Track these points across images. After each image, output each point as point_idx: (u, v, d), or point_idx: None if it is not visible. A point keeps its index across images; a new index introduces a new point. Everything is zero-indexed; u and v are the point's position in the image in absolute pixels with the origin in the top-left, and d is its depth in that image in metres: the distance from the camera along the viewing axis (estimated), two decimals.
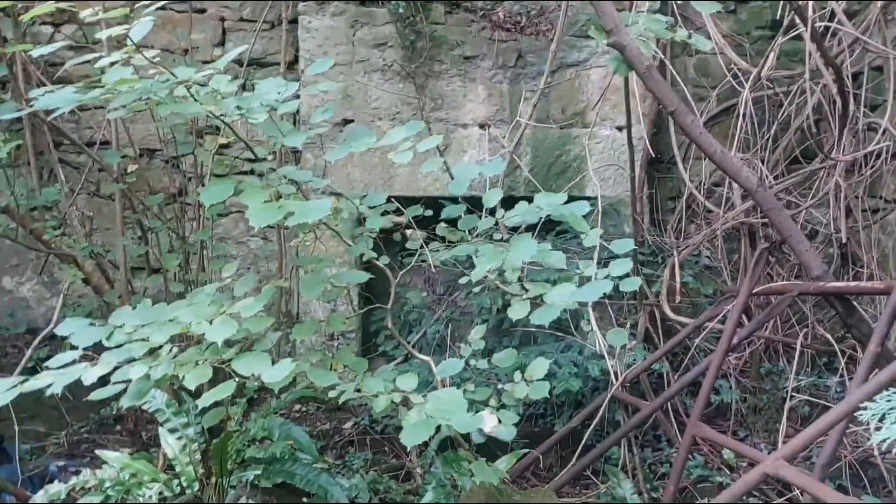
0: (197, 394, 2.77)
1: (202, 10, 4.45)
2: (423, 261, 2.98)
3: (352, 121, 4.43)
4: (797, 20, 3.89)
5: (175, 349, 2.29)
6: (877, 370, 2.50)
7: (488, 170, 2.90)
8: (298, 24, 4.36)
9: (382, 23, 4.39)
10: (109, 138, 3.90)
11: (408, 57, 4.41)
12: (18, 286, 4.61)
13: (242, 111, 2.38)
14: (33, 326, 4.46)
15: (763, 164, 4.35)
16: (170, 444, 3.18)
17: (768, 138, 4.39)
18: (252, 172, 4.36)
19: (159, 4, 2.24)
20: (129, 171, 3.68)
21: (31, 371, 3.19)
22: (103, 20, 2.26)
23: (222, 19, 4.52)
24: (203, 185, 3.78)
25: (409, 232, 3.10)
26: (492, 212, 2.93)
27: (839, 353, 3.68)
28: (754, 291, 3.28)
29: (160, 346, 2.23)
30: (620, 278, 2.70)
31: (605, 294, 2.51)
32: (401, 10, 4.29)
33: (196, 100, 2.35)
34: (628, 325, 4.16)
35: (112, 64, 2.35)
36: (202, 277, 3.67)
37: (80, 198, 4.22)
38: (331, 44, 4.39)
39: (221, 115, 2.33)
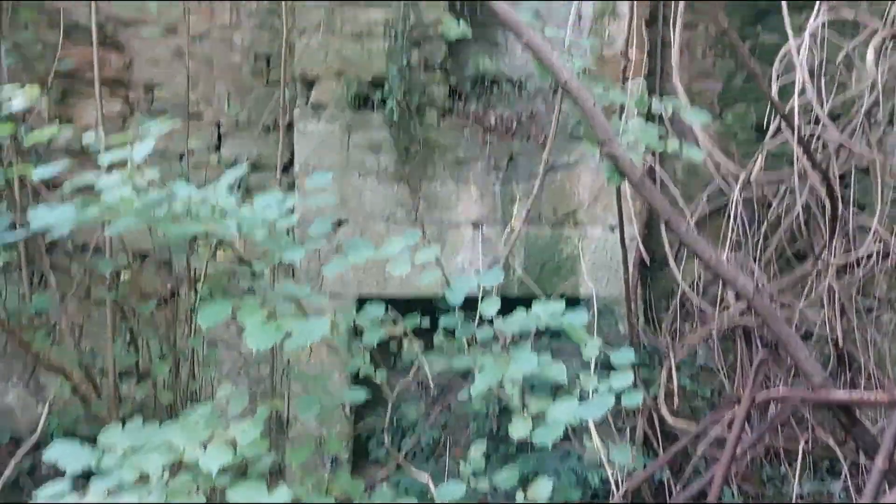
0: None
1: (198, 115, 4.51)
2: (418, 370, 2.94)
3: (346, 221, 4.45)
4: (783, 125, 3.98)
5: (167, 474, 2.22)
6: (885, 487, 2.46)
7: (486, 280, 2.90)
8: (294, 129, 4.42)
9: (377, 127, 4.46)
10: (102, 243, 3.89)
11: (402, 160, 4.46)
12: (2, 394, 4.52)
13: (242, 230, 2.37)
14: (17, 436, 4.35)
15: (755, 263, 4.38)
16: None
17: (759, 238, 4.43)
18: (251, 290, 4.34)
19: (165, 127, 2.26)
20: (121, 278, 3.66)
21: (14, 484, 3.09)
22: (104, 140, 2.27)
23: (218, 124, 4.58)
24: (196, 291, 3.76)
25: (405, 339, 3.07)
26: (489, 320, 2.91)
27: (842, 457, 3.63)
28: (756, 399, 3.24)
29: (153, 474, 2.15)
30: (623, 391, 2.67)
31: None
32: (395, 116, 4.37)
33: (196, 218, 2.34)
34: (627, 430, 4.10)
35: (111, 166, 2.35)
36: (192, 386, 3.60)
37: (70, 302, 4.18)
38: (326, 148, 4.44)
39: (222, 234, 2.32)
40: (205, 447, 2.14)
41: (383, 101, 4.40)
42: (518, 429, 2.50)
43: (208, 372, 3.67)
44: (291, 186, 4.46)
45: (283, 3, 4.30)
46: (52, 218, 2.33)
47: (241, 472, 2.29)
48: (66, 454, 2.27)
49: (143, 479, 2.12)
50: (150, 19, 4.35)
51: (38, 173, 2.31)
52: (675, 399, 4.12)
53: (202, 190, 2.43)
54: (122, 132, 4.09)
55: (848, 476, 3.63)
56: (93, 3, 4.03)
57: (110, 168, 2.37)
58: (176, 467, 2.36)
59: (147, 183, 2.41)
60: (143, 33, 4.38)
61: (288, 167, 4.53)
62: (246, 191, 4.33)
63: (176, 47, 4.45)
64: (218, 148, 4.59)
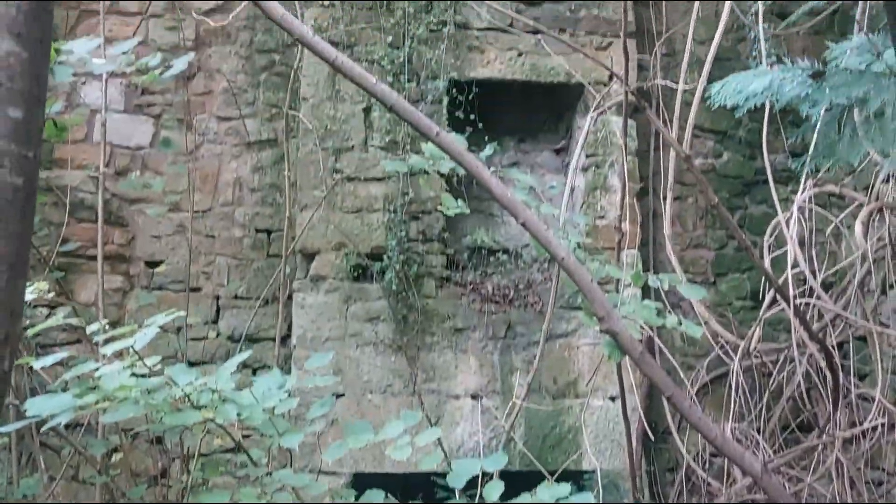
0: None
1: (197, 289, 4.54)
2: None
3: (342, 395, 4.40)
4: (778, 295, 4.03)
5: None
6: None
7: (490, 465, 2.83)
8: (293, 301, 4.45)
9: (375, 298, 4.50)
10: (94, 422, 3.82)
11: (400, 330, 4.47)
12: None
13: (242, 416, 2.34)
14: None
15: (759, 434, 4.31)
16: None
17: (761, 408, 4.38)
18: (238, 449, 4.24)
19: (168, 318, 2.28)
20: (112, 458, 3.57)
21: None
22: (107, 331, 2.27)
23: (217, 297, 4.61)
24: (189, 471, 3.65)
25: None
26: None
27: None
28: None
29: None
30: None
31: None
32: (393, 287, 4.42)
33: (196, 406, 2.31)
34: None
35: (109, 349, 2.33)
36: None
37: (58, 483, 4.04)
38: (324, 319, 4.46)
39: (221, 422, 2.29)
40: None
41: (382, 272, 4.47)
42: None
43: None
44: (288, 359, 4.44)
45: (287, 179, 4.45)
46: (51, 407, 2.30)
47: None
48: None
49: None
50: (154, 197, 4.47)
51: (39, 363, 2.30)
52: None
53: (203, 377, 2.42)
54: (121, 308, 4.13)
55: None
56: (101, 181, 4.17)
57: (112, 357, 2.37)
58: None
59: (148, 370, 2.40)
60: (147, 211, 4.47)
61: (286, 339, 4.53)
62: (243, 364, 4.30)
63: (179, 222, 4.55)
64: (216, 321, 4.60)
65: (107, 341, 2.29)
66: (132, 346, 2.26)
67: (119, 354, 2.43)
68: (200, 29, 4.55)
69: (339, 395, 4.39)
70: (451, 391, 4.49)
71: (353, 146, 4.56)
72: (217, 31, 4.48)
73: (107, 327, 2.27)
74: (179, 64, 2.96)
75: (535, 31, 4.45)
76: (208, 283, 4.59)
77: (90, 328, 2.32)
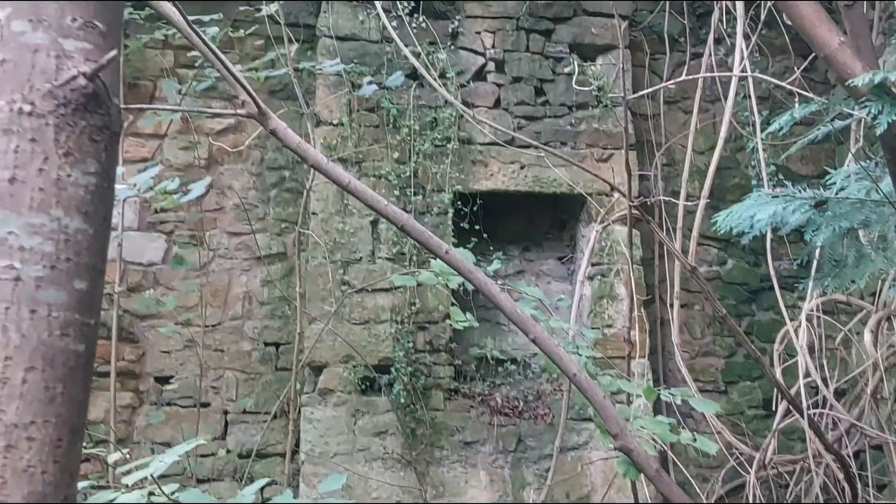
0: None
1: (206, 404, 4.52)
2: None
3: None
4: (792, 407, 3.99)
5: None
6: None
7: None
8: (301, 415, 4.42)
9: (383, 411, 4.46)
10: None
11: (408, 444, 4.42)
12: None
13: None
14: None
15: None
16: None
17: None
18: None
19: (193, 444, 2.27)
20: None
21: None
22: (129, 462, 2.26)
23: (225, 412, 4.58)
24: None
25: None
26: None
27: None
28: None
29: None
30: None
31: None
32: (401, 399, 4.39)
33: None
34: None
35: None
36: None
37: None
38: (332, 434, 4.41)
39: None
40: None
41: (390, 385, 4.45)
42: None
43: None
44: (297, 474, 4.38)
45: (298, 293, 4.48)
46: None
47: None
48: None
49: None
50: (165, 314, 4.50)
51: None
52: None
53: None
54: (130, 424, 4.10)
55: None
56: (116, 299, 4.21)
57: (129, 485, 2.35)
58: None
59: (167, 499, 2.37)
60: (159, 328, 4.49)
61: (294, 454, 4.47)
62: (250, 479, 4.24)
63: (189, 337, 4.56)
64: (224, 436, 4.55)
65: (126, 470, 2.27)
66: (151, 475, 2.24)
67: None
68: (213, 148, 4.69)
69: None
70: None
71: (360, 258, 4.62)
72: (229, 149, 4.61)
73: (127, 455, 2.26)
74: (197, 189, 3.04)
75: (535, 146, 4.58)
76: (217, 398, 4.57)
77: (111, 458, 2.31)
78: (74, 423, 1.09)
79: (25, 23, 1.12)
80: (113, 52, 1.13)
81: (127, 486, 2.32)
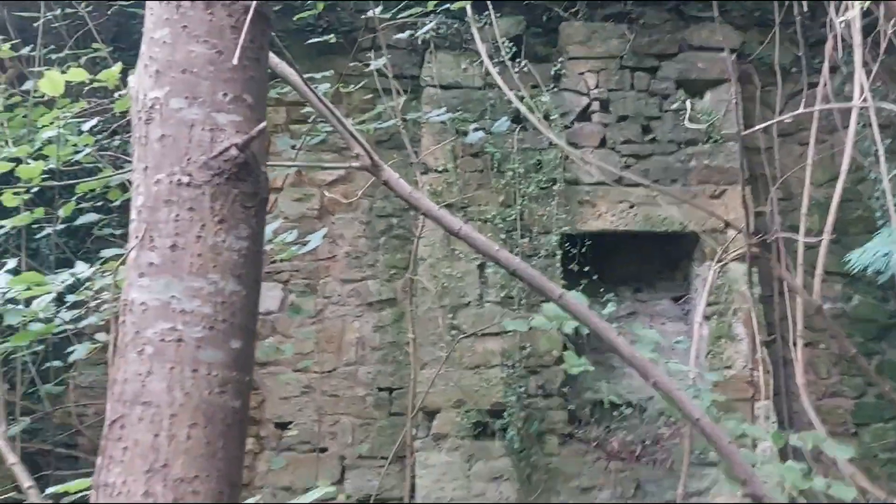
0: None
1: (324, 449, 4.60)
2: None
3: None
4: None
5: None
6: None
7: None
8: (416, 460, 4.44)
9: (497, 456, 4.44)
10: None
11: (524, 490, 4.37)
12: None
13: None
14: None
15: None
16: None
17: None
18: None
19: (326, 490, 2.32)
20: None
21: None
22: None
23: (342, 458, 4.65)
24: None
25: None
26: None
27: None
28: None
29: None
30: None
31: None
32: (515, 444, 4.35)
33: None
34: None
35: None
36: None
37: None
38: (447, 479, 4.41)
39: None
40: None
41: (503, 430, 4.42)
42: None
43: None
44: None
45: (410, 338, 4.53)
46: None
47: None
48: None
49: None
50: (283, 361, 4.63)
51: None
52: None
53: None
54: (252, 470, 4.21)
55: None
56: None
57: None
58: None
59: None
60: (277, 375, 4.62)
61: (411, 498, 4.49)
62: None
63: (305, 383, 4.68)
64: (341, 481, 4.62)
65: None
66: None
67: None
68: (325, 199, 4.83)
69: None
70: None
71: (469, 302, 4.64)
72: (342, 199, 4.75)
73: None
74: (315, 240, 3.14)
75: (645, 185, 4.52)
76: (334, 444, 4.65)
77: None
78: (233, 478, 1.14)
79: (182, 100, 1.20)
80: (262, 124, 1.19)
81: None
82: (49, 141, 3.10)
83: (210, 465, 1.11)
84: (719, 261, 3.94)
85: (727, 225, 4.28)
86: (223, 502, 1.11)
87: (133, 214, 1.21)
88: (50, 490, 2.23)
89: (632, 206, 4.75)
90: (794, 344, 4.40)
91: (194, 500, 1.08)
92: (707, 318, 4.55)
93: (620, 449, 4.49)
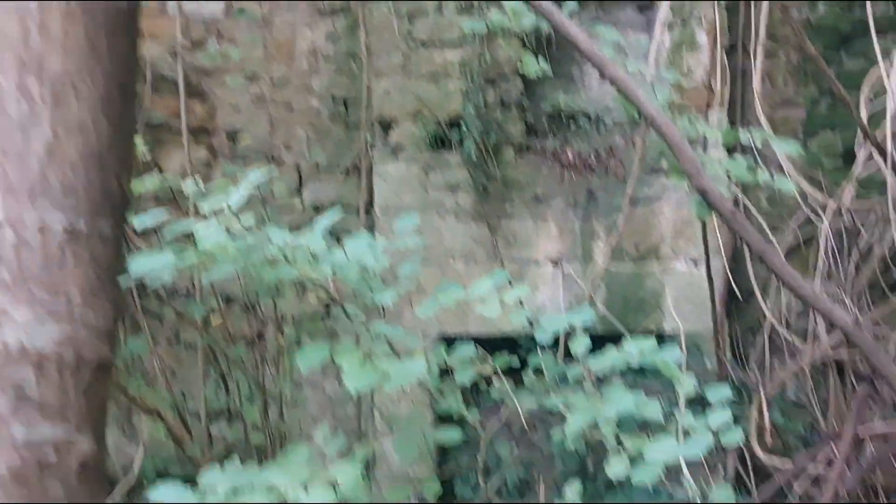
0: None
1: (280, 161, 4.61)
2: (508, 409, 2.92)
3: (427, 262, 4.46)
4: (874, 152, 3.87)
5: None
6: None
7: (576, 318, 2.87)
8: (373, 171, 4.49)
9: (454, 167, 4.49)
10: (192, 288, 3.99)
11: (480, 199, 4.48)
12: None
13: (336, 274, 2.41)
14: (112, 478, 4.44)
15: (847, 295, 4.24)
16: None
17: (850, 269, 4.29)
18: (328, 315, 4.40)
19: (263, 176, 2.32)
20: (212, 323, 3.75)
21: None
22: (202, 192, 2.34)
23: (299, 168, 4.67)
24: (283, 333, 3.81)
25: (494, 378, 3.06)
26: (578, 357, 2.88)
27: None
28: (860, 435, 3.12)
29: None
30: (720, 430, 2.60)
31: None
32: (472, 156, 4.39)
33: (292, 263, 2.39)
34: (718, 467, 3.98)
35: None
36: (282, 427, 3.64)
37: (162, 346, 4.28)
38: (404, 189, 4.49)
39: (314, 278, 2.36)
40: (306, 488, 2.14)
41: (461, 141, 4.44)
42: (616, 469, 2.44)
43: (296, 413, 3.71)
44: (372, 228, 4.52)
45: (363, 46, 4.40)
46: (154, 265, 2.41)
47: None
48: (170, 496, 2.30)
49: None
50: (232, 67, 4.49)
51: (139, 222, 2.38)
52: (767, 436, 3.99)
53: (296, 235, 2.48)
54: (207, 179, 4.22)
55: None
56: (179, 51, 4.20)
57: (208, 215, 2.44)
58: None
59: (243, 229, 2.47)
60: (226, 82, 4.51)
61: (368, 208, 4.59)
62: (328, 233, 4.40)
63: (257, 94, 4.58)
64: (299, 191, 4.68)
65: (202, 199, 2.35)
66: (227, 204, 2.32)
67: (214, 215, 2.50)
68: None
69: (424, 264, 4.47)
70: (532, 257, 4.52)
71: (427, 10, 4.45)
72: None
73: (202, 186, 2.33)
74: None
75: None
76: (290, 155, 4.65)
77: (185, 185, 2.39)
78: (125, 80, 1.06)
79: None
80: None
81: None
82: None
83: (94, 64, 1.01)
84: None
85: None
86: (115, 105, 1.04)
87: None
88: None
89: None
90: (754, 54, 4.36)
91: (77, 97, 1.00)
92: (669, 25, 4.44)
93: (575, 160, 4.55)
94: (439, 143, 4.50)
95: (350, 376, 2.19)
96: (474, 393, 3.52)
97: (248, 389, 3.96)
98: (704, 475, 3.95)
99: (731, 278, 4.43)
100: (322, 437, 2.46)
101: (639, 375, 4.10)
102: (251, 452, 3.55)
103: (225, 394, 3.84)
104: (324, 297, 2.90)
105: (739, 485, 4.05)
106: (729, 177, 3.02)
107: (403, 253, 3.46)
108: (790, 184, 3.10)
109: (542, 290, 4.51)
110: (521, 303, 2.77)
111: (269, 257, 2.47)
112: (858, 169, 4.05)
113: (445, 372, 2.95)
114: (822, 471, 3.52)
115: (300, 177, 4.69)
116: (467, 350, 2.88)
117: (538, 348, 3.02)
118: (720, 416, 2.67)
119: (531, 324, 2.92)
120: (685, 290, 4.45)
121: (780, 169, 4.28)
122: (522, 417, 2.81)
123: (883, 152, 3.50)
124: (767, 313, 4.31)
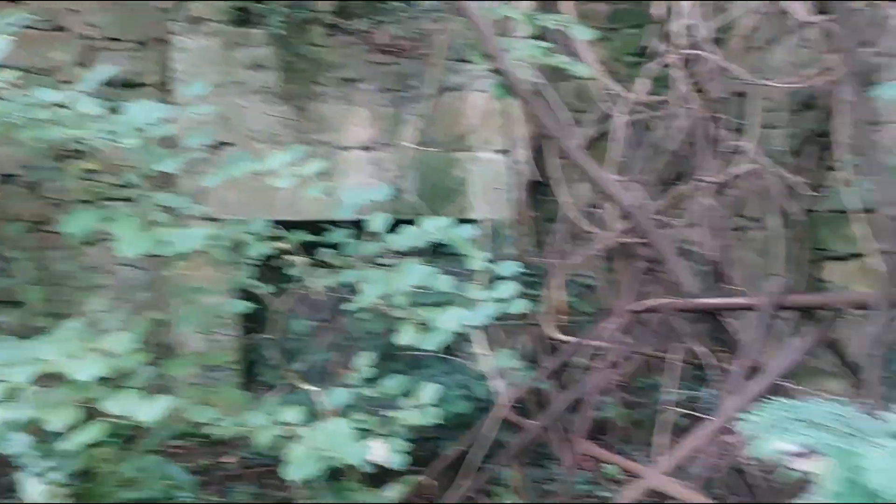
0: None
1: (62, 28, 4.21)
2: (306, 286, 2.91)
3: (230, 144, 4.29)
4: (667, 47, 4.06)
5: (39, 389, 2.13)
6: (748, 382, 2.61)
7: (376, 194, 2.87)
8: (172, 45, 4.20)
9: (259, 44, 4.29)
10: None
11: (287, 79, 4.32)
12: None
13: (111, 136, 2.25)
14: None
15: (638, 185, 4.49)
16: (32, 489, 2.95)
17: (643, 161, 4.53)
18: (126, 199, 4.15)
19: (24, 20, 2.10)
20: None
21: None
22: None
23: (84, 37, 4.28)
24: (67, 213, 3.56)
25: (291, 258, 3.02)
26: (378, 236, 2.90)
27: (712, 365, 3.82)
28: (631, 309, 3.37)
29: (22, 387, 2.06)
30: (507, 301, 2.72)
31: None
32: (280, 32, 4.21)
33: (60, 124, 2.20)
34: (514, 345, 4.20)
35: None
36: (69, 310, 3.44)
37: None
38: (205, 65, 4.24)
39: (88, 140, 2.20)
40: (76, 359, 2.05)
41: (266, 16, 4.23)
42: (405, 336, 2.51)
43: (86, 297, 3.51)
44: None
45: None
46: None
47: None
48: None
49: (13, 392, 2.02)
50: None
51: None
52: (561, 316, 4.23)
53: (67, 94, 2.29)
54: None
55: (716, 383, 3.82)
56: None
57: None
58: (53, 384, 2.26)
59: (7, 85, 2.25)
60: None
61: (166, 86, 4.31)
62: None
63: None
64: (84, 64, 4.31)
65: None
66: None
67: None
68: None
69: (225, 144, 4.28)
70: (341, 142, 4.45)
71: None
72: None
73: None
74: None
75: None
76: (77, 22, 4.24)
77: None
78: None
79: None
80: None
81: None
82: None
83: None
84: None
85: None
86: None
87: None
88: None
89: None
90: None
91: None
92: None
93: (387, 42, 4.48)
94: (243, 19, 4.27)
95: (124, 241, 2.08)
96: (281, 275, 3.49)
97: (35, 274, 3.71)
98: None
99: (535, 168, 4.59)
100: (98, 307, 2.35)
101: (443, 259, 4.21)
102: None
103: (5, 276, 3.57)
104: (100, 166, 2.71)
105: (534, 360, 4.29)
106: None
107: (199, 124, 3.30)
108: (586, 68, 3.20)
109: (351, 176, 4.47)
110: (316, 178, 2.72)
111: (37, 120, 2.26)
112: (652, 64, 4.24)
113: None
114: (602, 344, 3.78)
115: (89, 48, 4.31)
116: (261, 225, 2.82)
117: (341, 228, 3.00)
118: (508, 288, 2.79)
119: (331, 199, 2.89)
120: (490, 178, 4.57)
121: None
122: (319, 292, 2.80)
123: (675, 45, 3.68)
124: (563, 201, 4.50)
